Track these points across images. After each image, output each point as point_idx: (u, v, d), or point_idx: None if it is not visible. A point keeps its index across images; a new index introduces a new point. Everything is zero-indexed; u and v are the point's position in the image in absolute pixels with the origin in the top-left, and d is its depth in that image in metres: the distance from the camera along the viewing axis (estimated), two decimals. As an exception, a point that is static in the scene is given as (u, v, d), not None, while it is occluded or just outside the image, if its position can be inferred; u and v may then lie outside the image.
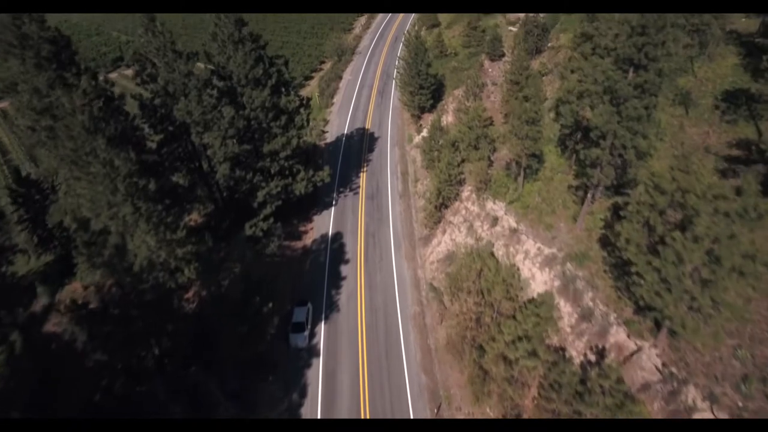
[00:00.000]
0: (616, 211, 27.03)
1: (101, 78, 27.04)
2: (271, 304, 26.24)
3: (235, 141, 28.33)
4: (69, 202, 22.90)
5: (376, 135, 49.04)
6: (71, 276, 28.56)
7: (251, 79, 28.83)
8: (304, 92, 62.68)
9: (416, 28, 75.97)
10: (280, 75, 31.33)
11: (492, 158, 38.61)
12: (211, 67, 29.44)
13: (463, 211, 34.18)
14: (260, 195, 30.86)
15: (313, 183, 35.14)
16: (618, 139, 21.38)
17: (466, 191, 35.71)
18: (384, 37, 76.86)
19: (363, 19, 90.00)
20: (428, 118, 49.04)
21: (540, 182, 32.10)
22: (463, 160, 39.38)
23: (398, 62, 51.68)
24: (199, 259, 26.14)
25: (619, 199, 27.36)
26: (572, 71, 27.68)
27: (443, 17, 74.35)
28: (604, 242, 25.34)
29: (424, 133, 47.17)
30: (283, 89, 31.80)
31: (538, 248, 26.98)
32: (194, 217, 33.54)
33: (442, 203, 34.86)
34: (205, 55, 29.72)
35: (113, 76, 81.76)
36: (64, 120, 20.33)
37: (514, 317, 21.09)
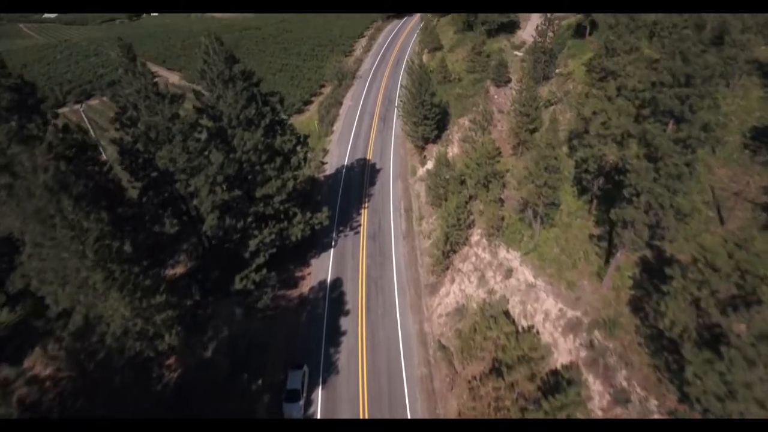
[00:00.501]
0: (646, 267, 24.39)
1: (82, 107, 24.70)
2: (260, 381, 23.36)
3: (224, 187, 25.81)
4: (33, 267, 20.22)
5: (377, 166, 46.64)
6: (40, 338, 25.77)
7: (243, 119, 26.46)
8: (303, 118, 60.66)
9: (418, 51, 74.48)
10: (274, 113, 28.98)
11: (502, 196, 36.13)
12: (199, 105, 27.07)
13: (473, 258, 31.48)
14: (252, 244, 28.20)
15: (311, 226, 32.53)
16: (655, 197, 18.82)
17: (476, 235, 33.07)
18: (385, 60, 75.23)
19: (364, 41, 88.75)
20: (432, 149, 46.73)
21: (557, 229, 29.47)
22: (471, 197, 36.92)
23: (401, 91, 49.54)
24: (182, 321, 23.40)
25: (649, 254, 24.76)
26: (595, 113, 25.23)
27: (446, 40, 72.81)
28: (636, 306, 22.61)
29: (429, 165, 44.79)
30: (278, 128, 29.41)
31: (560, 309, 24.20)
32: (179, 270, 30.81)
33: (449, 248, 32.19)
34: (193, 93, 27.39)
35: (108, 99, 79.92)
36: (25, 179, 17.84)
37: (539, 403, 18.26)
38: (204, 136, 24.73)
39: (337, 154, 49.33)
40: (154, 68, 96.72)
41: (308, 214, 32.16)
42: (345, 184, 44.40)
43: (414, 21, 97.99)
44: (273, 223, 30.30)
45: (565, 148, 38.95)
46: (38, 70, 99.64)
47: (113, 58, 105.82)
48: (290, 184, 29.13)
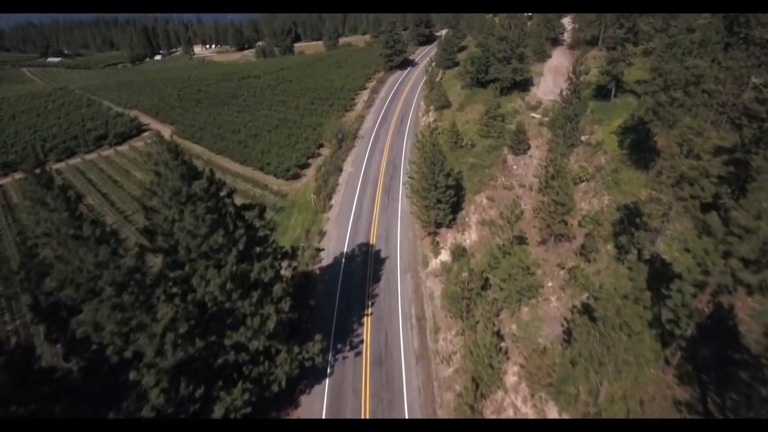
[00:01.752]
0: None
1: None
2: None
3: (178, 342, 18.77)
4: None
5: (382, 254, 39.80)
6: None
7: (207, 249, 19.78)
8: (299, 185, 54.57)
9: (424, 107, 69.54)
10: (251, 231, 22.34)
11: (537, 308, 29.12)
12: (149, 225, 20.47)
13: (511, 411, 23.96)
14: (218, 409, 20.89)
15: (300, 362, 25.30)
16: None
17: (512, 373, 25.70)
18: (389, 117, 70.18)
19: (365, 93, 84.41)
20: (447, 235, 40.08)
21: (625, 383, 22.12)
22: (500, 310, 29.94)
23: (409, 166, 43.41)
24: None
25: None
26: (688, 250, 18.41)
27: (453, 96, 67.95)
28: None
29: (443, 256, 38.01)
30: (256, 249, 22.69)
31: None
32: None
33: (480, 394, 24.74)
34: (142, 209, 20.85)
35: (92, 156, 74.87)
36: None
37: None
38: (147, 280, 17.95)
39: (335, 237, 42.63)
40: (146, 120, 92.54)
41: (296, 349, 24.99)
42: (344, 278, 37.41)
43: (417, 72, 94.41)
44: (249, 368, 23.14)
45: (610, 247, 32.28)
46: (26, 121, 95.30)
47: (105, 109, 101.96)
48: (271, 323, 22.09)
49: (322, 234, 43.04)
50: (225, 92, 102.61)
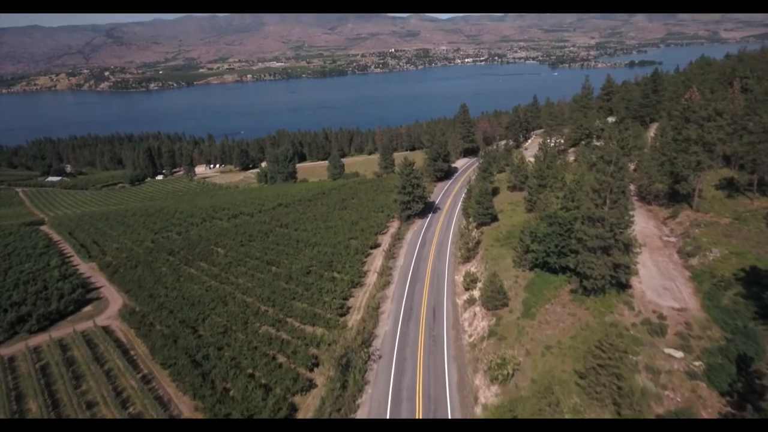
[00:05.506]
0: None
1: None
2: None
3: None
4: None
5: None
6: None
7: None
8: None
9: (465, 298, 48.31)
10: None
11: None
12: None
13: None
14: None
15: None
16: None
17: None
18: (414, 311, 48.70)
19: (378, 255, 64.60)
20: None
21: None
22: None
23: None
24: None
25: None
26: None
27: (508, 280, 47.03)
28: None
29: None
30: None
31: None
32: None
33: None
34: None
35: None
36: None
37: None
38: None
39: None
40: (100, 281, 71.98)
41: None
42: None
43: (442, 220, 76.32)
44: None
45: None
46: (-49, 282, 75.04)
47: (54, 264, 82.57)
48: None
49: None
50: (207, 239, 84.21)
